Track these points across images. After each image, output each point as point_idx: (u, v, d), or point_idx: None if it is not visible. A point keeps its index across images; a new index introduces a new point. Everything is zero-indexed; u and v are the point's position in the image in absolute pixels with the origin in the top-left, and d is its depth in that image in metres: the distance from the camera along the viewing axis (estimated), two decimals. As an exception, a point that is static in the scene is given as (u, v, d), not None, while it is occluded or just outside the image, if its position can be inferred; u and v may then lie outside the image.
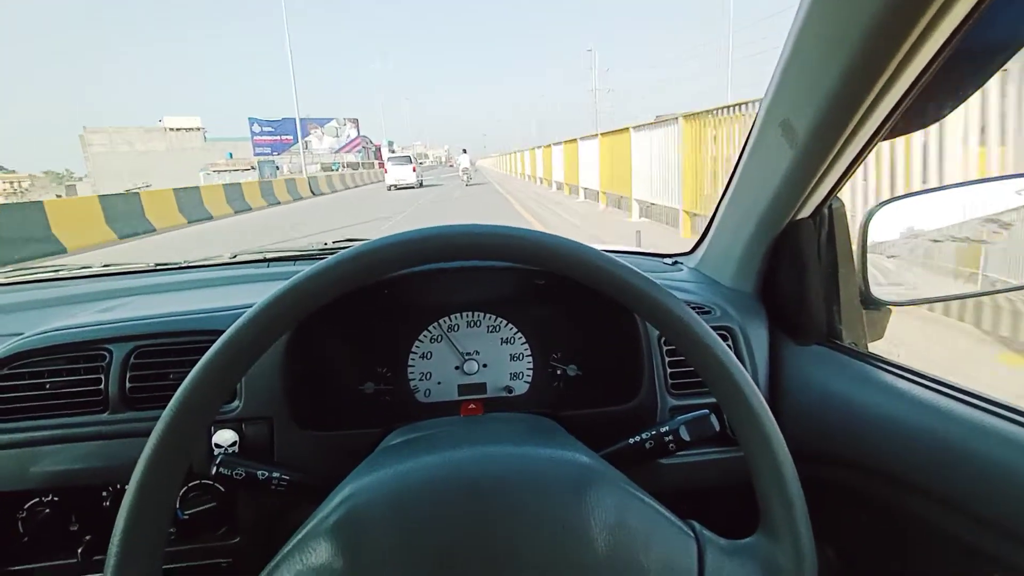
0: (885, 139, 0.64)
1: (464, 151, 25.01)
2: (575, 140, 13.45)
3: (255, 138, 50.87)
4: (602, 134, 10.86)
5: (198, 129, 55.54)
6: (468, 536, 0.41)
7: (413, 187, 23.41)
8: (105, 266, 1.22)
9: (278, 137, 51.31)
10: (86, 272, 1.20)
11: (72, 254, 9.21)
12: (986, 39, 0.53)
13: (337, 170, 43.91)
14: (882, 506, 0.69)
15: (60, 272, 1.20)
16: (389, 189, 23.29)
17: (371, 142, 67.18)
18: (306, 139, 49.18)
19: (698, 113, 6.72)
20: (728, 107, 6.01)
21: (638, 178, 8.83)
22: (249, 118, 48.78)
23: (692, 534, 0.44)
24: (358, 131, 57.27)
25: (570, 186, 14.81)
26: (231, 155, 50.60)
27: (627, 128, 9.19)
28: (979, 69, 0.57)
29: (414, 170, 23.63)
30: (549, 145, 18.01)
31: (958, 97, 0.59)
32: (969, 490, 0.57)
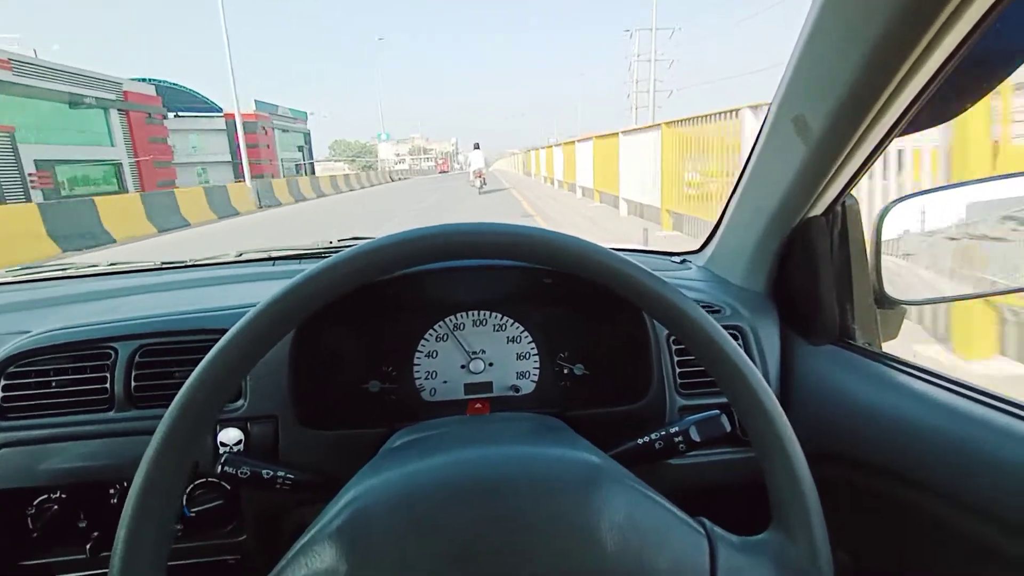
0: (902, 135, 0.62)
1: (476, 146, 18.07)
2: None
3: None
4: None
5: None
6: (476, 538, 0.40)
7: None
8: (111, 264, 1.22)
9: None
10: (92, 271, 1.20)
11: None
12: (1011, 30, 0.52)
13: None
14: (895, 507, 0.67)
15: (67, 271, 1.21)
16: None
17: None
18: None
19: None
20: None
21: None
22: None
23: (703, 531, 0.43)
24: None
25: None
26: None
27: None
28: (1003, 61, 0.55)
29: None
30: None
31: (981, 90, 0.57)
32: (985, 491, 0.55)
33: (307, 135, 39.48)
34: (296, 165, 36.91)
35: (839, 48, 0.57)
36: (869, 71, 0.55)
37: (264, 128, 30.36)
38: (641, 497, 0.43)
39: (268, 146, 31.77)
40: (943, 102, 0.57)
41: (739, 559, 0.42)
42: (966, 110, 0.59)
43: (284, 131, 35.66)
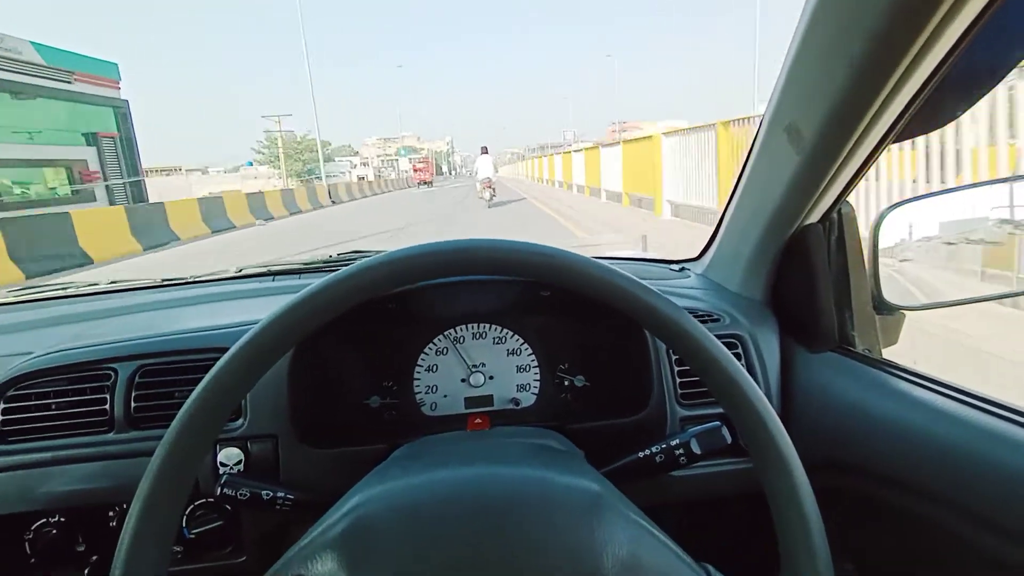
0: (895, 141, 0.62)
1: (484, 151, 15.74)
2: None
3: None
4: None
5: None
6: (476, 554, 0.40)
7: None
8: (112, 283, 1.22)
9: None
10: (93, 289, 1.20)
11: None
12: (1001, 36, 0.52)
13: None
14: (898, 515, 0.67)
15: (68, 290, 1.21)
16: None
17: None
18: None
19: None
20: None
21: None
22: None
23: None
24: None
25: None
26: None
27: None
28: (994, 68, 0.55)
29: None
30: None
31: (972, 97, 0.57)
32: (987, 499, 0.55)
33: (118, 111, 16.07)
34: (73, 174, 14.18)
35: (830, 55, 0.57)
36: (861, 78, 0.55)
37: None
38: (646, 534, 0.43)
39: None
40: (936, 108, 0.57)
41: None
42: (958, 116, 0.59)
43: (14, 95, 12.13)
